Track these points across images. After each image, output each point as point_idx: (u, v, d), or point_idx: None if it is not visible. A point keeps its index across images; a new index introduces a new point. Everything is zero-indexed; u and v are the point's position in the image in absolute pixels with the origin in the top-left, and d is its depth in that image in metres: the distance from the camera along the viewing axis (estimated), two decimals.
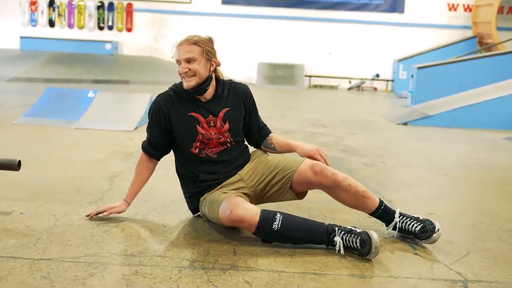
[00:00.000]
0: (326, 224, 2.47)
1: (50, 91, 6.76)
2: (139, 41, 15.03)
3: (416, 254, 2.48)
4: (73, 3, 15.02)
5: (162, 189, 3.40)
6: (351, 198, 2.60)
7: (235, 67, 14.39)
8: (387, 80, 14.29)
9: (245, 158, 2.78)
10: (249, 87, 2.87)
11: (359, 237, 2.36)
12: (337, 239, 2.39)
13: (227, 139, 2.69)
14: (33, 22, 15.10)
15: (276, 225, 2.39)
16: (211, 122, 2.66)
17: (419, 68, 9.54)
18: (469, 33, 14.22)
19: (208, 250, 2.42)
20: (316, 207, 3.15)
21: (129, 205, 2.84)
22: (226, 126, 2.68)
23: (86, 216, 2.79)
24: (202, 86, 2.63)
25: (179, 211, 2.95)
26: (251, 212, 2.39)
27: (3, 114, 6.50)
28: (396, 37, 14.51)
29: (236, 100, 2.74)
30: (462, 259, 2.44)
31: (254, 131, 2.85)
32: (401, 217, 2.63)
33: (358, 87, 14.37)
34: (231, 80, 2.82)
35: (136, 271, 2.16)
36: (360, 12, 14.59)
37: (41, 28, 15.10)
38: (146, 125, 2.81)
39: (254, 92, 2.91)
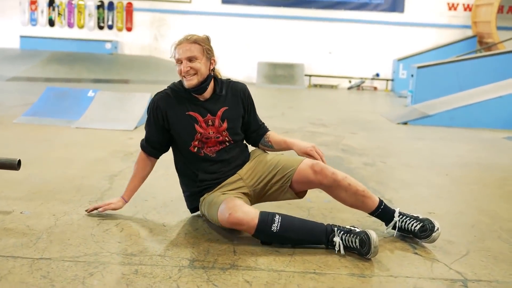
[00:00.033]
0: (325, 224, 2.47)
1: (50, 91, 6.76)
2: (139, 41, 15.03)
3: (416, 253, 2.49)
4: (73, 2, 15.01)
5: (162, 188, 3.40)
6: (351, 198, 2.60)
7: (235, 66, 14.39)
8: (387, 80, 14.29)
9: (244, 157, 2.78)
10: (247, 86, 2.87)
11: (358, 237, 2.36)
12: (337, 239, 2.39)
13: (226, 138, 2.69)
14: (33, 21, 15.10)
15: (275, 227, 2.39)
16: (209, 121, 2.66)
17: (419, 67, 9.54)
18: (469, 32, 14.22)
19: (208, 249, 2.42)
20: (316, 206, 3.15)
21: (126, 202, 2.85)
22: (225, 125, 2.68)
23: (85, 211, 2.83)
24: (203, 85, 2.63)
25: (179, 211, 2.95)
26: (250, 214, 2.39)
27: (3, 114, 6.50)
28: (396, 36, 14.51)
29: (235, 99, 2.74)
30: (462, 258, 2.44)
31: (253, 130, 2.86)
32: (401, 216, 2.63)
33: (358, 86, 14.37)
34: (229, 79, 2.82)
35: (136, 270, 2.16)
36: (360, 11, 14.59)
37: (41, 28, 15.10)
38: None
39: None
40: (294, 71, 14.38)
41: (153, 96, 2.77)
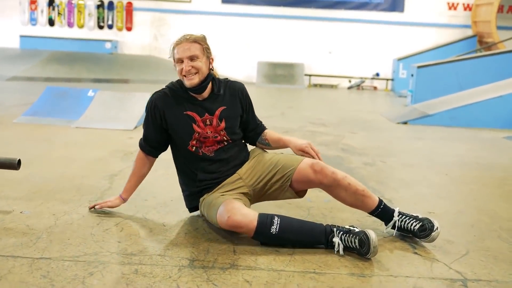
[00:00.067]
0: (325, 225, 2.47)
1: (50, 90, 6.76)
2: (139, 40, 15.02)
3: (415, 253, 2.49)
4: (73, 2, 15.01)
5: (162, 188, 3.40)
6: (351, 197, 2.60)
7: (235, 66, 14.39)
8: (387, 79, 14.29)
9: (244, 156, 2.77)
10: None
11: (357, 237, 2.36)
12: (336, 240, 2.40)
13: (224, 137, 2.69)
14: (33, 21, 15.10)
15: (274, 229, 2.39)
16: (207, 120, 2.66)
17: (419, 67, 9.54)
18: (469, 32, 14.21)
19: (208, 249, 2.42)
20: (316, 206, 3.15)
21: (124, 201, 2.87)
22: (222, 124, 2.68)
23: (88, 208, 2.90)
24: (203, 84, 2.63)
25: (179, 210, 2.95)
26: (249, 217, 2.39)
27: (3, 113, 6.50)
28: (396, 36, 14.51)
29: (233, 98, 2.74)
30: (462, 258, 2.44)
31: (251, 129, 2.85)
32: (400, 216, 2.63)
33: (358, 86, 14.37)
34: (227, 78, 2.82)
35: (136, 270, 2.16)
36: (360, 11, 14.58)
37: (41, 27, 15.09)
38: None
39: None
40: (294, 71, 14.38)
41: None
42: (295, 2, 14.65)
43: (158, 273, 2.14)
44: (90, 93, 6.46)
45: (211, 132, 2.66)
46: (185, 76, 2.60)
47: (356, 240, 2.36)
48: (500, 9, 13.71)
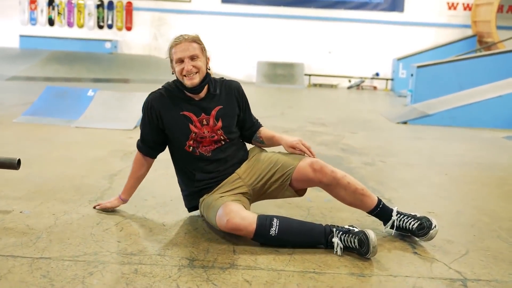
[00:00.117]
0: (324, 225, 2.47)
1: (49, 90, 6.75)
2: (138, 40, 15.02)
3: (415, 253, 2.49)
4: (73, 1, 15.01)
5: (162, 188, 3.40)
6: (350, 196, 2.60)
7: (235, 66, 14.40)
8: (387, 79, 14.29)
9: (242, 155, 2.77)
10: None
11: (357, 237, 2.36)
12: (335, 240, 2.40)
13: (221, 137, 2.68)
14: (33, 20, 15.09)
15: (273, 231, 2.40)
16: (204, 120, 2.66)
17: (418, 67, 9.54)
18: (468, 32, 14.22)
19: (208, 249, 2.42)
20: (315, 206, 3.15)
21: (124, 201, 2.88)
22: (219, 124, 2.67)
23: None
24: (203, 83, 2.63)
25: (179, 210, 2.95)
26: (248, 220, 2.39)
27: (2, 113, 6.50)
28: (396, 36, 14.51)
29: (229, 97, 2.74)
30: (462, 258, 2.44)
31: (247, 127, 2.85)
32: (399, 215, 2.64)
33: (358, 86, 14.37)
34: (222, 77, 2.82)
35: (135, 269, 2.16)
36: (360, 11, 14.59)
37: (41, 27, 15.10)
38: None
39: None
40: (294, 71, 14.38)
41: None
42: (295, 2, 14.65)
43: (158, 272, 2.14)
44: (90, 93, 6.46)
45: (208, 132, 2.66)
46: (185, 76, 2.59)
47: (356, 240, 2.36)
48: (500, 9, 13.71)
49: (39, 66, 12.90)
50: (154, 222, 2.78)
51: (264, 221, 2.40)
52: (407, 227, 2.60)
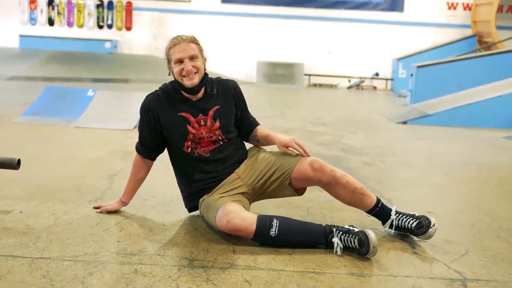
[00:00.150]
0: (324, 225, 2.47)
1: (49, 90, 6.76)
2: (138, 40, 15.03)
3: (415, 253, 2.49)
4: (73, 1, 15.01)
5: (162, 188, 3.40)
6: (349, 195, 2.60)
7: (235, 66, 14.40)
8: (387, 79, 14.29)
9: (241, 155, 2.77)
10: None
11: (357, 237, 2.36)
12: (335, 240, 2.40)
13: (219, 137, 2.68)
14: (33, 20, 15.10)
15: (273, 231, 2.40)
16: (201, 121, 2.65)
17: (418, 67, 9.54)
18: (468, 32, 14.22)
19: (208, 248, 2.42)
20: (315, 206, 3.15)
21: (124, 204, 2.88)
22: (217, 124, 2.67)
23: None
24: (202, 83, 2.63)
25: (179, 210, 2.95)
26: (248, 221, 2.39)
27: (2, 113, 6.50)
28: (396, 35, 14.51)
29: (226, 96, 2.74)
30: (461, 258, 2.44)
31: (244, 126, 2.84)
32: (397, 214, 2.64)
33: (358, 86, 14.38)
34: (219, 77, 2.82)
35: (135, 269, 2.16)
36: (360, 10, 14.59)
37: (41, 27, 15.10)
38: None
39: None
40: (293, 71, 14.39)
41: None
42: (295, 2, 14.66)
43: (157, 272, 2.14)
44: (90, 93, 6.46)
45: (206, 132, 2.65)
46: (185, 76, 2.59)
47: (356, 240, 2.36)
48: (500, 8, 13.71)
49: (39, 66, 12.90)
50: (154, 222, 2.78)
51: (264, 222, 2.40)
52: (406, 226, 2.60)
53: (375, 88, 14.52)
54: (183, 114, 2.65)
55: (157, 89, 2.73)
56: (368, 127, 6.90)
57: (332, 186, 2.60)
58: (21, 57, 13.77)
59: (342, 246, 2.39)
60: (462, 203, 3.47)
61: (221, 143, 2.69)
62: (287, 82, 14.01)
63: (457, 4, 14.52)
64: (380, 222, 2.71)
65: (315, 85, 14.54)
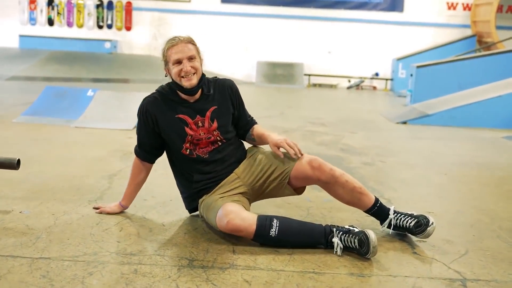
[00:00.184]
0: (324, 225, 2.47)
1: (49, 90, 6.76)
2: (138, 40, 15.03)
3: (415, 253, 2.49)
4: (72, 1, 15.01)
5: (161, 188, 3.40)
6: (348, 194, 2.60)
7: (235, 66, 14.40)
8: (386, 79, 14.30)
9: (240, 155, 2.76)
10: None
11: (357, 237, 2.36)
12: (335, 240, 2.40)
13: (217, 137, 2.68)
14: (32, 20, 15.09)
15: (273, 231, 2.40)
16: (199, 122, 2.65)
17: (418, 67, 9.55)
18: (468, 32, 14.23)
19: (207, 249, 2.42)
20: (315, 206, 3.15)
21: (124, 208, 2.88)
22: (215, 124, 2.67)
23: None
24: (200, 84, 2.63)
25: (178, 210, 2.95)
26: (248, 221, 2.39)
27: (2, 113, 6.50)
28: (396, 36, 14.52)
29: (223, 96, 2.73)
30: (461, 258, 2.44)
31: (242, 125, 2.84)
32: (396, 214, 2.64)
33: (358, 86, 14.38)
34: (215, 77, 2.82)
35: (135, 270, 2.16)
36: (360, 10, 14.60)
37: (40, 27, 15.10)
38: None
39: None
40: (293, 71, 14.39)
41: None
42: (294, 2, 14.66)
43: (157, 273, 2.14)
44: (90, 93, 6.46)
45: (204, 133, 2.65)
46: (183, 77, 2.58)
47: (356, 240, 2.36)
48: (499, 8, 13.72)
49: (38, 66, 12.90)
50: (154, 222, 2.78)
51: (264, 222, 2.40)
52: (404, 226, 2.60)
53: (375, 88, 14.53)
54: (180, 116, 2.64)
55: (154, 91, 2.72)
56: (368, 127, 6.91)
57: (331, 185, 2.60)
58: (20, 57, 13.77)
59: (342, 246, 2.39)
60: (461, 203, 3.47)
61: (220, 143, 2.69)
62: (287, 82, 14.02)
63: (456, 4, 14.52)
64: (379, 222, 2.71)
65: (315, 85, 14.54)
